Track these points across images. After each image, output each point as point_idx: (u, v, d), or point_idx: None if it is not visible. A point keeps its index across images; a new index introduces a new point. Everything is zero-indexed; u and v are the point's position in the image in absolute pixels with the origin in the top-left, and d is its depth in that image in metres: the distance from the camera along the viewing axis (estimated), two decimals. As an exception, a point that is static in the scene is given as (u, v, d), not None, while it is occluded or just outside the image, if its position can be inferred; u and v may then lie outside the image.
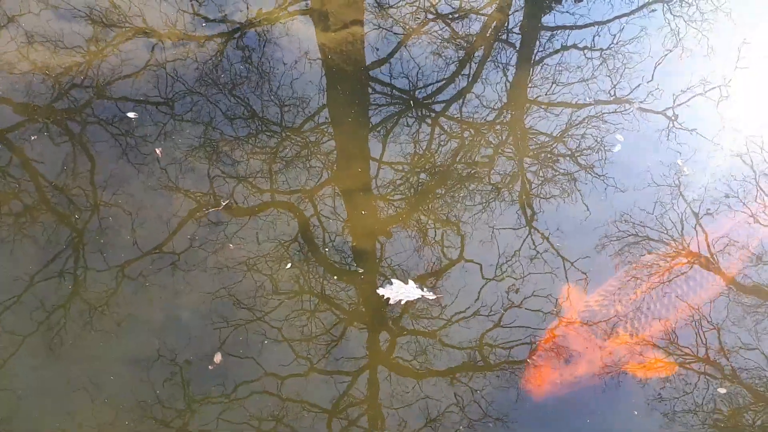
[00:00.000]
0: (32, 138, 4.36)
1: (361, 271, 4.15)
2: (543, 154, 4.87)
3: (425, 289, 4.12)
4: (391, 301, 4.06)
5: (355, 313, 4.03)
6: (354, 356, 3.90)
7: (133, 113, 4.59)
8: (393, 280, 4.13)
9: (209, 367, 3.66)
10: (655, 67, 5.36)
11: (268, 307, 3.96)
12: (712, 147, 4.99)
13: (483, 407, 3.78)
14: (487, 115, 5.00)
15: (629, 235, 4.43)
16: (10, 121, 4.44)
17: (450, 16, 5.55)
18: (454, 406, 3.79)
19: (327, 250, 4.22)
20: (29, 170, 4.26)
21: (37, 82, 4.61)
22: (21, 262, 3.91)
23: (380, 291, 4.08)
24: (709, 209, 4.64)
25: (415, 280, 4.14)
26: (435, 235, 4.38)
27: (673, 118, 5.11)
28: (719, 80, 5.34)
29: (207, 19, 5.19)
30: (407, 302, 4.05)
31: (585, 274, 4.18)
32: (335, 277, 4.10)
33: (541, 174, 4.76)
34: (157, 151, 4.43)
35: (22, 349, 3.67)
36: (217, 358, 3.66)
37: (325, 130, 4.78)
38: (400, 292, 4.08)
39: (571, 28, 5.61)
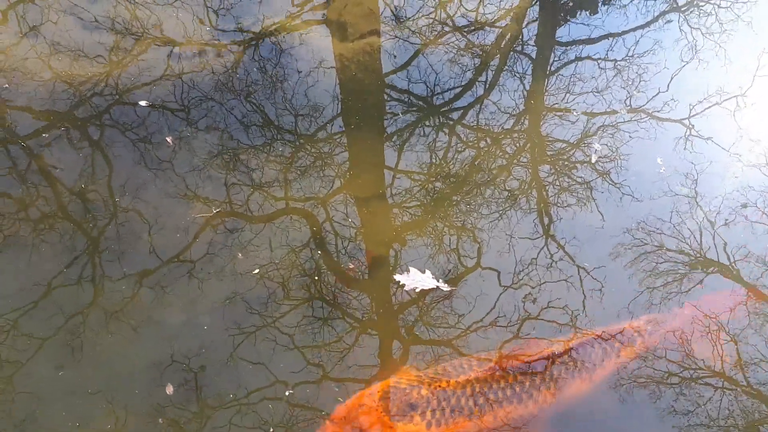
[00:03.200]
0: (40, 136, 4.44)
1: (379, 265, 4.18)
2: (548, 161, 4.87)
3: (440, 281, 4.13)
4: (407, 288, 4.07)
5: (369, 297, 4.05)
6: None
7: (145, 101, 4.66)
8: (410, 268, 4.15)
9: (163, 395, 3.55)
10: (672, 78, 5.35)
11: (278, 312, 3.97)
12: (727, 156, 4.95)
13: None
14: (504, 122, 5.01)
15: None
16: (28, 126, 4.51)
17: (465, 28, 5.58)
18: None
19: (342, 251, 4.23)
20: (34, 164, 4.34)
21: (58, 90, 4.70)
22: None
23: (397, 277, 4.10)
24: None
25: (432, 272, 4.15)
26: (450, 240, 4.38)
27: (690, 126, 5.09)
28: (737, 90, 5.32)
29: (225, 30, 5.25)
30: (421, 291, 4.07)
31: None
32: (351, 272, 4.12)
33: (549, 181, 4.75)
34: (168, 140, 4.49)
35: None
36: (169, 389, 3.54)
37: (343, 138, 4.81)
38: (416, 280, 4.09)
39: (586, 42, 5.62)
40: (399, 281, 4.10)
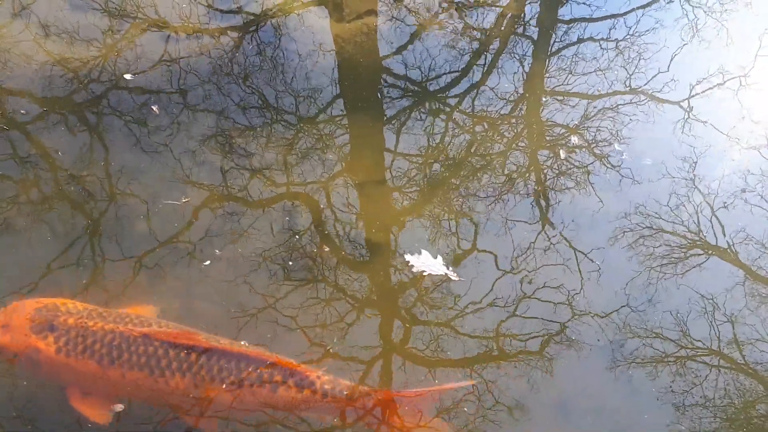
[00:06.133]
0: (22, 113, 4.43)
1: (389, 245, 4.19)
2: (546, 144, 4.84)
3: (450, 268, 4.11)
4: (414, 269, 4.05)
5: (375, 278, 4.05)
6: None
7: (130, 75, 4.65)
8: (422, 251, 4.12)
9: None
10: (672, 58, 5.32)
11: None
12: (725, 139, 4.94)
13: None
14: (502, 107, 4.98)
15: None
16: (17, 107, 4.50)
17: (465, 7, 5.54)
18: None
19: (345, 236, 4.23)
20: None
21: (53, 73, 4.66)
22: None
23: (407, 257, 4.08)
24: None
25: (444, 258, 4.13)
26: (449, 225, 4.37)
27: (688, 109, 5.07)
28: (738, 70, 5.29)
29: (221, 11, 5.21)
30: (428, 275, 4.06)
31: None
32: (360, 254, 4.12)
33: (547, 164, 4.74)
34: (154, 108, 4.47)
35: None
36: (118, 407, 3.43)
37: (340, 119, 4.78)
38: (426, 263, 4.07)
39: (587, 20, 5.59)
40: (408, 262, 4.07)
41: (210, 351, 3.38)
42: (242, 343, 3.62)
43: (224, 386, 3.35)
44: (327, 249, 4.09)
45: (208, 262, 3.99)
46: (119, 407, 3.42)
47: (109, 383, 3.37)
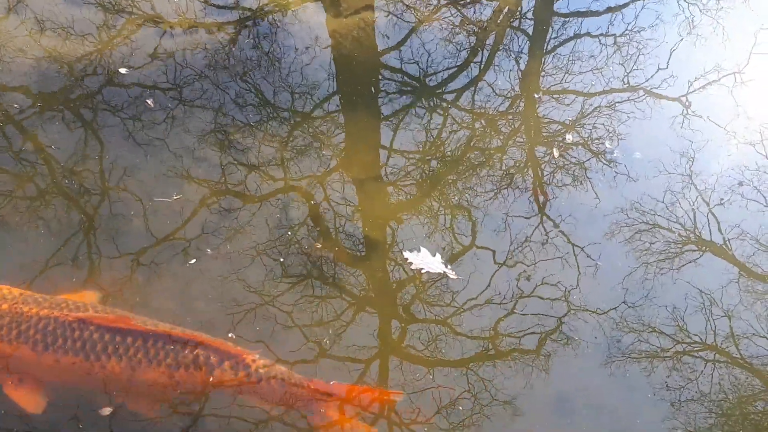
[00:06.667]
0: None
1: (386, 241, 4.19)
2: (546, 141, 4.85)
3: (449, 266, 4.10)
4: (413, 267, 4.05)
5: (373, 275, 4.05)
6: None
7: (125, 70, 4.62)
8: (422, 248, 4.12)
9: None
10: (671, 54, 5.32)
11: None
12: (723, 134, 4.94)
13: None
14: (499, 103, 4.97)
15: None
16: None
17: (462, 2, 5.53)
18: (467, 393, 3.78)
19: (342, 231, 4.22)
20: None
21: (47, 68, 4.64)
22: None
23: (406, 254, 4.07)
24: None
25: (442, 257, 4.12)
26: (446, 221, 4.37)
27: (687, 104, 5.07)
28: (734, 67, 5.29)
29: (218, 6, 5.18)
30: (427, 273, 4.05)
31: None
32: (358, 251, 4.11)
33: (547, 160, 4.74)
34: (149, 102, 4.45)
35: None
36: (105, 411, 3.41)
37: (336, 116, 4.77)
38: (424, 261, 4.06)
39: (584, 15, 5.58)
40: (407, 259, 4.07)
41: (146, 334, 3.36)
42: (232, 336, 3.63)
43: (161, 369, 3.34)
44: (319, 246, 4.08)
45: (193, 261, 3.97)
46: (107, 411, 3.40)
47: (44, 369, 3.32)
